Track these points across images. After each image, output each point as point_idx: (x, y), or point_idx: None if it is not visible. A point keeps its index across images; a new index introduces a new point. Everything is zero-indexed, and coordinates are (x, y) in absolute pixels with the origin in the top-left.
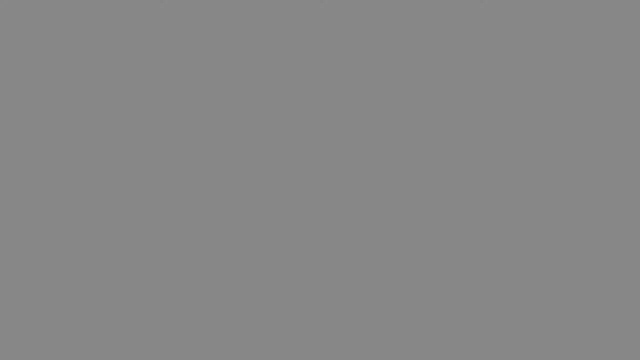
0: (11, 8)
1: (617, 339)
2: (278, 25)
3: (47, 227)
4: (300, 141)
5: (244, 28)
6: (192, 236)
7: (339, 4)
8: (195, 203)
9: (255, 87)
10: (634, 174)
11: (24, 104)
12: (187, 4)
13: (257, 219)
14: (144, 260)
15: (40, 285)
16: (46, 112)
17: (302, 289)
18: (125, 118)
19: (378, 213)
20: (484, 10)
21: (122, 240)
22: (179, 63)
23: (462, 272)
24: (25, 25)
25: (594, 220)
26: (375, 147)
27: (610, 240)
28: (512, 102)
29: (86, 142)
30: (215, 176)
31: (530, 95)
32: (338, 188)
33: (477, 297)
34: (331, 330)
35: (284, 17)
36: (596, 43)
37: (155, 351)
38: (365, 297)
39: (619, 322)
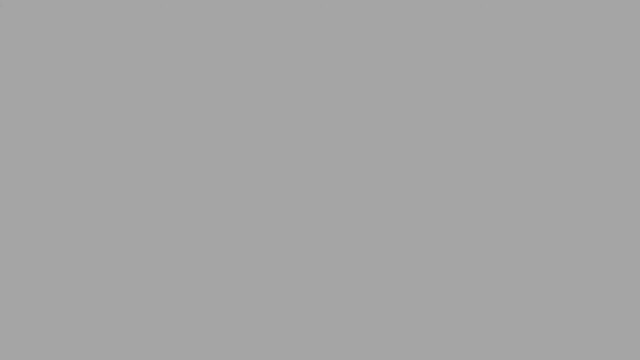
0: (11, 8)
1: (617, 339)
2: (278, 26)
3: (47, 227)
4: (300, 141)
5: (244, 28)
6: (192, 236)
7: (339, 4)
8: (195, 203)
9: (255, 87)
10: (634, 174)
11: (24, 104)
12: (188, 4)
13: (257, 219)
14: (144, 261)
15: (40, 285)
16: (46, 112)
17: (303, 289)
18: (125, 118)
19: (378, 213)
20: (484, 11)
21: (122, 240)
22: (179, 63)
23: (462, 272)
24: (26, 25)
25: (594, 221)
26: (376, 147)
27: (610, 240)
28: (512, 102)
29: (86, 142)
30: (215, 176)
31: (530, 95)
32: (338, 188)
33: (477, 297)
34: (331, 330)
35: (284, 18)
36: (596, 43)
37: (155, 351)
38: (365, 297)
39: (619, 322)
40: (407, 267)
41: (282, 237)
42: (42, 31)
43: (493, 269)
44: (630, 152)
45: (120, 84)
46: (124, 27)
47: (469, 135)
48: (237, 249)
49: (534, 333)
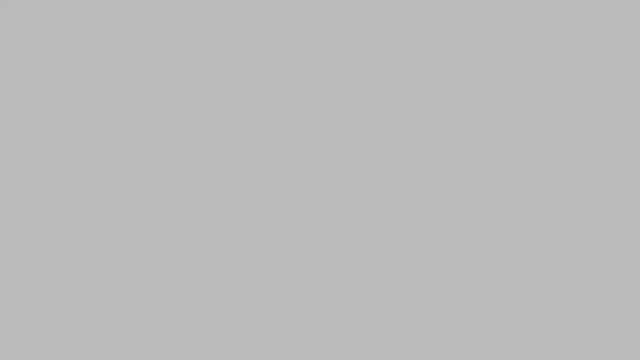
0: (11, 8)
1: (617, 339)
2: (279, 26)
3: (47, 227)
4: (300, 141)
5: (245, 28)
6: (193, 236)
7: (340, 5)
8: (195, 204)
9: (255, 87)
10: (634, 174)
11: (24, 104)
12: (189, 5)
13: (257, 219)
14: (144, 261)
15: (40, 285)
16: (46, 112)
17: (303, 289)
18: (125, 118)
19: (378, 213)
20: (485, 12)
21: (122, 240)
22: (179, 63)
23: (462, 272)
24: (26, 25)
25: (594, 221)
26: (375, 147)
27: (610, 240)
28: (512, 102)
29: (86, 142)
30: (215, 176)
31: (530, 95)
32: (338, 188)
33: (477, 297)
34: (331, 330)
35: (284, 18)
36: (596, 43)
37: (155, 351)
38: (365, 297)
39: (619, 322)
40: (407, 267)
41: (282, 237)
42: (42, 31)
43: (493, 270)
44: (630, 152)
45: (120, 84)
46: (124, 27)
47: (469, 135)
48: (237, 250)
49: (533, 333)
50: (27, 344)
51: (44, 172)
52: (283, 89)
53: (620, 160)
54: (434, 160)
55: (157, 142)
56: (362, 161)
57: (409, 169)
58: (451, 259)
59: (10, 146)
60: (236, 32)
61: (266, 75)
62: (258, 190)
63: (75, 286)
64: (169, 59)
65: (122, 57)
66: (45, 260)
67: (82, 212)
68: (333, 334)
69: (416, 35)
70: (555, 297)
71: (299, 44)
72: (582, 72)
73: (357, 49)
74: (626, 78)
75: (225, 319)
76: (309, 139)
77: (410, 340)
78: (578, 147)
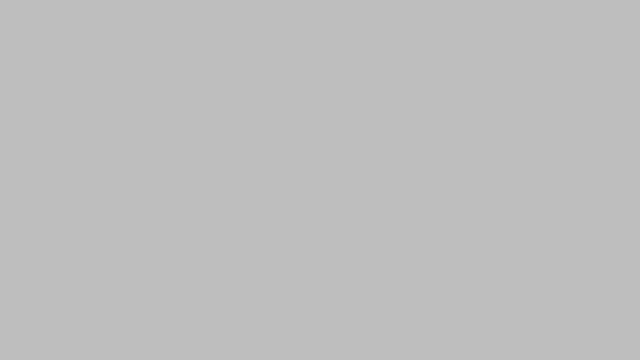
0: (11, 8)
1: (617, 339)
2: (278, 26)
3: (47, 227)
4: (300, 141)
5: (244, 28)
6: (193, 237)
7: (340, 4)
8: (195, 204)
9: (255, 87)
10: (634, 174)
11: (24, 104)
12: (188, 4)
13: (257, 219)
14: (144, 261)
15: (40, 285)
16: (46, 112)
17: (303, 289)
18: (125, 118)
19: (378, 213)
20: (485, 10)
21: (122, 240)
22: (179, 63)
23: (462, 272)
24: (26, 25)
25: (594, 220)
26: (375, 147)
27: (610, 241)
28: (512, 102)
29: (86, 142)
30: (215, 176)
31: (530, 95)
32: (338, 188)
33: (476, 297)
34: (331, 330)
35: (284, 18)
36: (596, 43)
37: (155, 351)
38: (365, 297)
39: (619, 322)
40: (407, 267)
41: (282, 237)
42: (42, 31)
43: (493, 269)
44: (630, 152)
45: (120, 84)
46: (124, 27)
47: (469, 135)
48: (237, 250)
49: (534, 333)
50: (27, 343)
51: (44, 172)
52: (281, 88)
53: (620, 160)
54: (433, 160)
55: (157, 141)
56: (363, 160)
57: (408, 169)
58: (451, 258)
59: (9, 146)
60: (234, 31)
61: (264, 75)
62: (257, 189)
63: (74, 285)
64: (166, 58)
65: (120, 56)
66: (44, 260)
67: (81, 210)
68: (333, 334)
69: (414, 35)
70: (555, 296)
71: (297, 44)
72: (580, 72)
73: (356, 48)
74: (626, 78)
75: (225, 318)
76: (308, 139)
77: (410, 340)
78: (577, 147)
